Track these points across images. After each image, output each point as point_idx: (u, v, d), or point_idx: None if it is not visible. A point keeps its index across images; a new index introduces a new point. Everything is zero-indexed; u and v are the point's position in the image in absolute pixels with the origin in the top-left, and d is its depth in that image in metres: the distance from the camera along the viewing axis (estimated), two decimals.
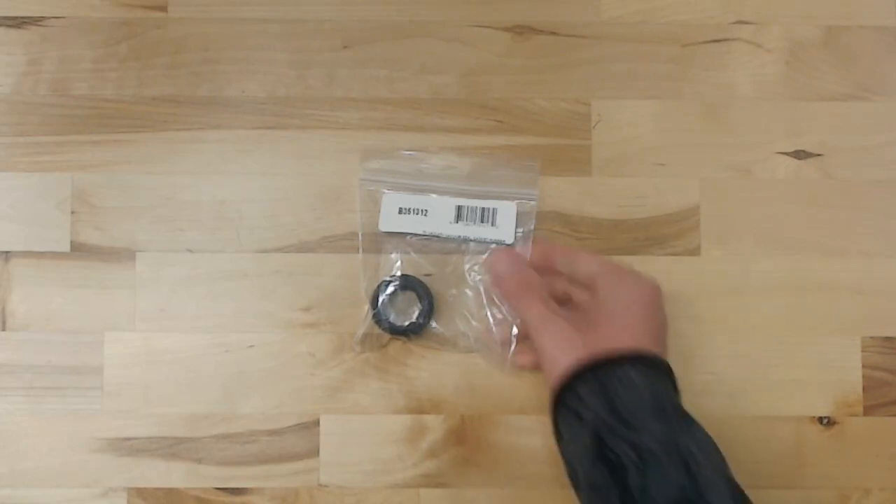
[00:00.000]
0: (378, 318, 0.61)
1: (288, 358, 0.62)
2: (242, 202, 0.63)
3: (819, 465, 0.61)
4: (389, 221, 0.61)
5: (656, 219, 0.63)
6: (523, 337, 0.58)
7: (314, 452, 0.61)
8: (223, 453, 0.61)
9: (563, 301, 0.59)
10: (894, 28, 0.65)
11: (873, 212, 0.63)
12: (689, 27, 0.64)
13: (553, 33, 0.64)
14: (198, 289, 0.62)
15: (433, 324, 0.61)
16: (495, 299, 0.60)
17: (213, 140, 0.63)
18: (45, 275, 0.62)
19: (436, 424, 0.61)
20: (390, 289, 0.61)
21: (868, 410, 0.62)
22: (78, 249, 0.62)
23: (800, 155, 0.64)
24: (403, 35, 0.64)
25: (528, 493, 0.61)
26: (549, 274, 0.59)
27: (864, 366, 0.62)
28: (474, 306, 0.61)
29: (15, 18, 0.64)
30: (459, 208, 0.61)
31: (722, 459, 0.51)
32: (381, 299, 0.61)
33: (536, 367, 0.59)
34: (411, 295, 0.61)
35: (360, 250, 0.62)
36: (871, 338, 0.62)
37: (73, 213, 0.62)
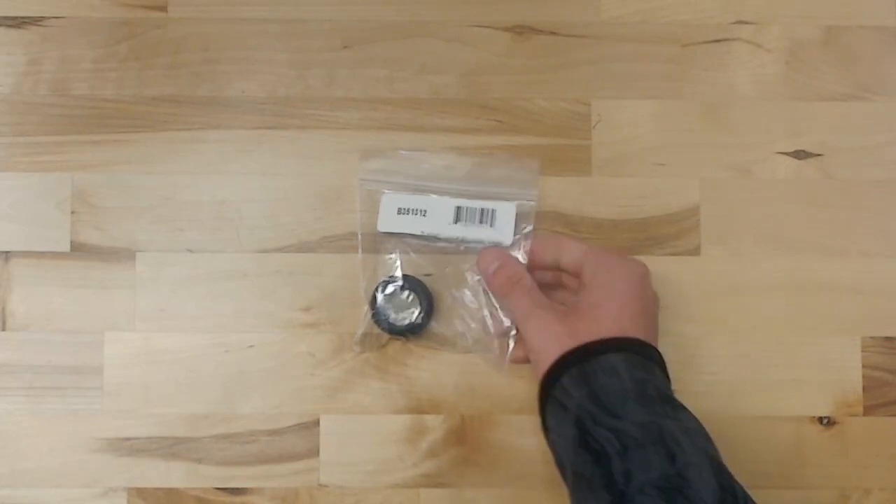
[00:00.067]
0: (377, 319, 0.61)
1: (288, 358, 0.62)
2: (242, 202, 0.63)
3: (819, 465, 0.61)
4: (388, 222, 0.61)
5: (656, 219, 0.63)
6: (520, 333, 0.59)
7: (314, 452, 0.61)
8: (223, 453, 0.61)
9: (556, 288, 0.60)
10: (894, 28, 0.65)
11: (873, 212, 0.63)
12: (689, 27, 0.64)
13: (553, 33, 0.64)
14: (198, 289, 0.62)
15: (433, 324, 0.61)
16: (493, 299, 0.60)
17: (213, 140, 0.63)
18: (45, 275, 0.62)
19: (436, 424, 0.61)
20: (390, 289, 0.61)
21: (868, 410, 0.62)
22: (78, 249, 0.62)
23: (800, 155, 0.64)
24: (403, 35, 0.64)
25: (528, 493, 0.61)
26: (542, 268, 0.59)
27: (864, 366, 0.62)
28: (473, 306, 0.61)
29: (15, 18, 0.64)
30: (458, 209, 0.61)
31: (709, 443, 0.51)
32: (380, 299, 0.61)
33: None
34: (411, 295, 0.61)
35: (360, 250, 0.61)
36: (871, 338, 0.62)
37: (73, 213, 0.62)
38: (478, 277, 0.61)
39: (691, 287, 0.62)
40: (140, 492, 0.61)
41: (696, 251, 0.63)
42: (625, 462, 0.49)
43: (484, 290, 0.60)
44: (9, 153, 0.63)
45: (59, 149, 0.63)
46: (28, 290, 0.62)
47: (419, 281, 0.61)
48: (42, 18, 0.64)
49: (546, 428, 0.55)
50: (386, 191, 0.61)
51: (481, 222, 0.61)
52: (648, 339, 0.54)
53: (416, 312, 0.61)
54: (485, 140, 0.63)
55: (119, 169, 0.63)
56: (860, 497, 0.61)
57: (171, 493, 0.61)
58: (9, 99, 0.63)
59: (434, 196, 0.61)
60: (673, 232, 0.63)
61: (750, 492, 0.49)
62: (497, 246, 0.60)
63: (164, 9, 0.64)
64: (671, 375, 0.55)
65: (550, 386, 0.53)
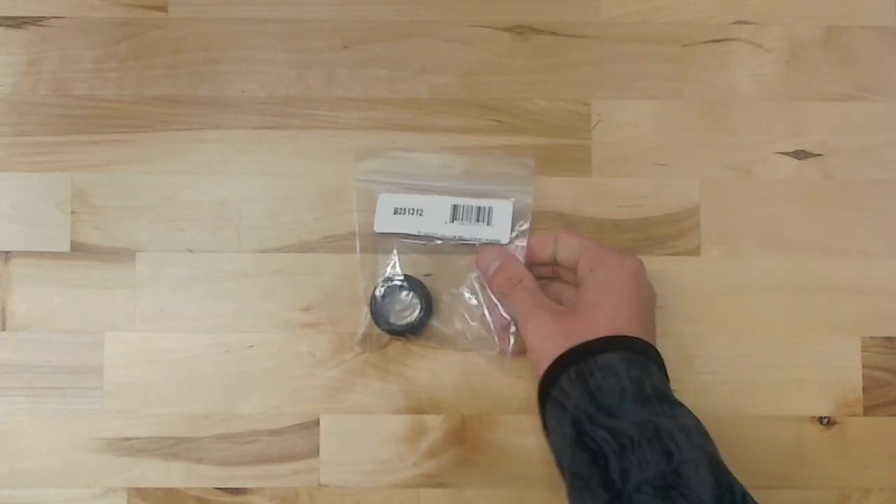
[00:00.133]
0: (377, 319, 0.61)
1: (288, 358, 0.62)
2: (242, 202, 0.63)
3: (819, 465, 0.61)
4: (384, 222, 0.61)
5: (656, 219, 0.63)
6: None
7: (314, 452, 0.61)
8: (223, 453, 0.61)
9: (554, 280, 0.60)
10: (894, 28, 0.65)
11: (873, 212, 0.63)
12: (689, 27, 0.64)
13: (553, 33, 0.64)
14: (198, 289, 0.62)
15: (432, 323, 0.61)
16: (492, 297, 0.60)
17: (213, 140, 0.63)
18: (45, 275, 0.62)
19: (436, 424, 0.61)
20: (389, 289, 0.61)
21: (868, 410, 0.62)
22: (78, 249, 0.62)
23: (800, 155, 0.64)
24: (403, 35, 0.64)
25: (528, 493, 0.61)
26: (540, 264, 0.59)
27: (864, 366, 0.62)
28: (473, 304, 0.61)
29: (15, 18, 0.64)
30: (455, 207, 0.61)
31: (707, 440, 0.51)
32: (379, 300, 0.61)
33: None
34: (410, 295, 0.61)
35: (358, 250, 0.61)
36: (871, 338, 0.62)
37: (73, 213, 0.62)
38: (476, 275, 0.61)
39: (691, 287, 0.62)
40: (140, 492, 0.61)
41: (696, 251, 0.63)
42: (622, 461, 0.49)
43: (482, 287, 0.60)
44: (9, 153, 0.63)
45: (59, 149, 0.63)
46: (28, 290, 0.62)
47: (418, 280, 0.61)
48: (42, 18, 0.64)
49: (546, 427, 0.55)
50: (381, 191, 0.61)
51: (478, 220, 0.60)
52: (646, 337, 0.55)
53: (416, 312, 0.61)
54: (485, 140, 0.63)
55: (119, 169, 0.63)
56: (860, 497, 0.61)
57: (171, 493, 0.61)
58: (9, 99, 0.63)
59: (430, 195, 0.61)
60: (673, 232, 0.63)
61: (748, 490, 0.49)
62: (495, 244, 0.60)
63: (164, 9, 0.64)
64: (671, 375, 0.55)
65: (549, 386, 0.53)
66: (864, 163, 0.64)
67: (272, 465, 0.61)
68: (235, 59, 0.64)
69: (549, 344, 0.54)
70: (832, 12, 0.65)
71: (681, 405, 0.52)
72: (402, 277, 0.61)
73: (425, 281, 0.61)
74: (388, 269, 0.61)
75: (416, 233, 0.61)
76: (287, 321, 0.62)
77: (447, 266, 0.62)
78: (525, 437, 0.61)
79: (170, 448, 0.61)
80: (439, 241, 0.61)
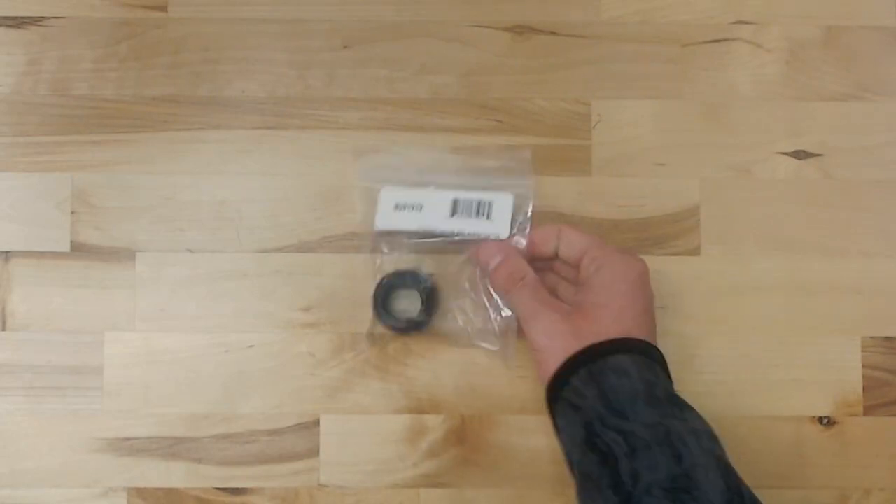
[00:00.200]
0: (379, 317, 0.61)
1: (288, 358, 0.62)
2: (242, 202, 0.63)
3: (819, 465, 0.61)
4: (385, 219, 0.61)
5: (656, 219, 0.63)
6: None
7: (314, 452, 0.61)
8: (223, 453, 0.61)
9: (547, 272, 0.59)
10: (894, 28, 0.65)
11: (873, 212, 0.63)
12: (689, 27, 0.64)
13: (553, 33, 0.64)
14: (198, 289, 0.62)
15: (435, 320, 0.61)
16: (493, 293, 0.60)
17: (213, 140, 0.63)
18: (45, 275, 0.62)
19: (436, 424, 0.61)
20: (390, 287, 0.61)
21: (868, 410, 0.62)
22: (78, 249, 0.62)
23: (800, 155, 0.64)
24: (403, 35, 0.64)
25: (528, 493, 0.61)
26: (542, 258, 0.59)
27: (864, 366, 0.62)
28: (474, 300, 0.60)
29: (15, 18, 0.64)
30: (455, 202, 0.60)
31: (716, 444, 0.51)
32: (381, 298, 0.61)
33: None
34: (412, 293, 0.61)
35: (359, 249, 0.61)
36: (871, 338, 0.62)
37: (73, 213, 0.62)
38: (477, 270, 0.60)
39: (691, 287, 0.62)
40: (140, 492, 0.61)
41: (696, 251, 0.63)
42: (632, 463, 0.49)
43: (483, 283, 0.60)
44: (9, 153, 0.63)
45: (59, 149, 0.63)
46: (28, 290, 0.62)
47: (420, 278, 0.61)
48: (42, 18, 0.64)
49: (556, 427, 0.55)
50: (381, 188, 0.61)
51: (478, 215, 0.60)
52: (649, 339, 0.55)
53: (418, 310, 0.61)
54: (485, 140, 0.63)
55: (119, 169, 0.63)
56: (860, 497, 0.61)
57: (171, 493, 0.61)
58: (9, 99, 0.63)
59: (430, 191, 0.61)
60: (673, 232, 0.63)
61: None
62: (495, 238, 0.60)
63: (164, 9, 0.64)
64: (671, 376, 0.55)
65: (559, 387, 0.53)
66: (864, 163, 0.64)
67: (272, 465, 0.61)
68: (235, 59, 0.64)
69: (558, 343, 0.54)
70: (832, 12, 0.65)
71: (691, 408, 0.52)
72: (403, 275, 0.61)
73: (427, 278, 0.61)
74: (391, 266, 0.61)
75: (416, 228, 0.61)
76: (287, 321, 0.62)
77: (448, 262, 0.61)
78: (525, 437, 0.61)
79: (170, 448, 0.61)
80: (440, 238, 0.61)
